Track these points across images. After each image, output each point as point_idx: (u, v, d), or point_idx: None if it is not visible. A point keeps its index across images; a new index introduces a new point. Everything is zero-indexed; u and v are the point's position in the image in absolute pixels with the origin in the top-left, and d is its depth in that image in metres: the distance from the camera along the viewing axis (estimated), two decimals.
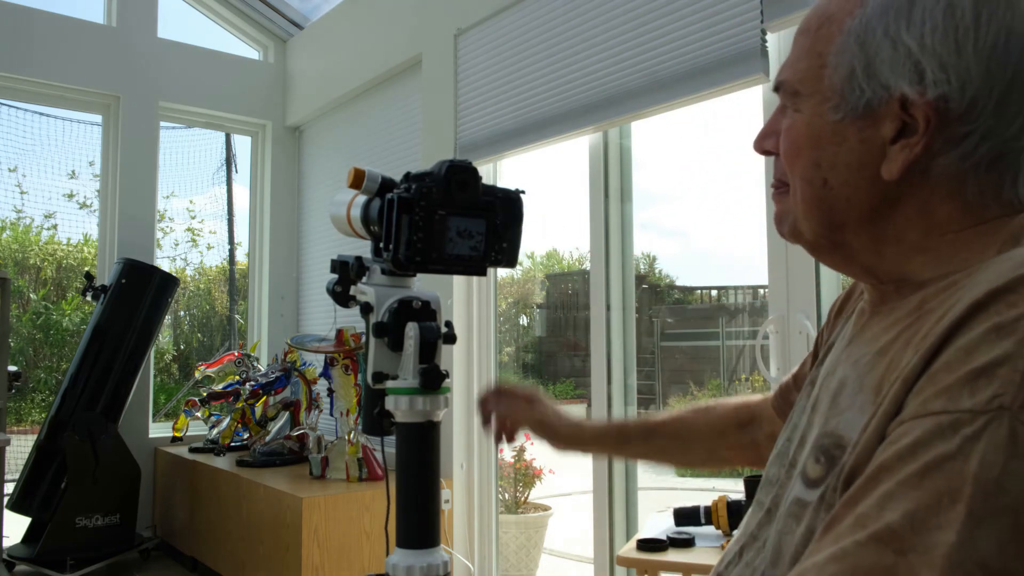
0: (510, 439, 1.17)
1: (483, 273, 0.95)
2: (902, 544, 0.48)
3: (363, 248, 1.00)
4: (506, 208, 0.95)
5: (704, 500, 2.20)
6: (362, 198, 1.02)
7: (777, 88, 0.73)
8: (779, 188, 0.74)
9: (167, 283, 3.97)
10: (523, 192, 0.98)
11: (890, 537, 0.48)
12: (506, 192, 0.96)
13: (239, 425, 3.81)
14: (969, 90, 0.60)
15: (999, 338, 0.51)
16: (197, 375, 4.20)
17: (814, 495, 0.63)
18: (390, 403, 0.92)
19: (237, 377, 3.95)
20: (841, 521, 0.52)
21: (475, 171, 0.92)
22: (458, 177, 0.90)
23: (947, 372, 0.52)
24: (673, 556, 2.01)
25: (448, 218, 0.90)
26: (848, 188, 0.66)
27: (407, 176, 0.94)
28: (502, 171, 3.35)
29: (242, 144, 5.01)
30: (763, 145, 0.75)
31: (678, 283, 11.25)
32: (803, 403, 0.77)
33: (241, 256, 5.31)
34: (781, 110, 0.73)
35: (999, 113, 0.61)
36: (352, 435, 3.20)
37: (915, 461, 0.50)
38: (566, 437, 1.14)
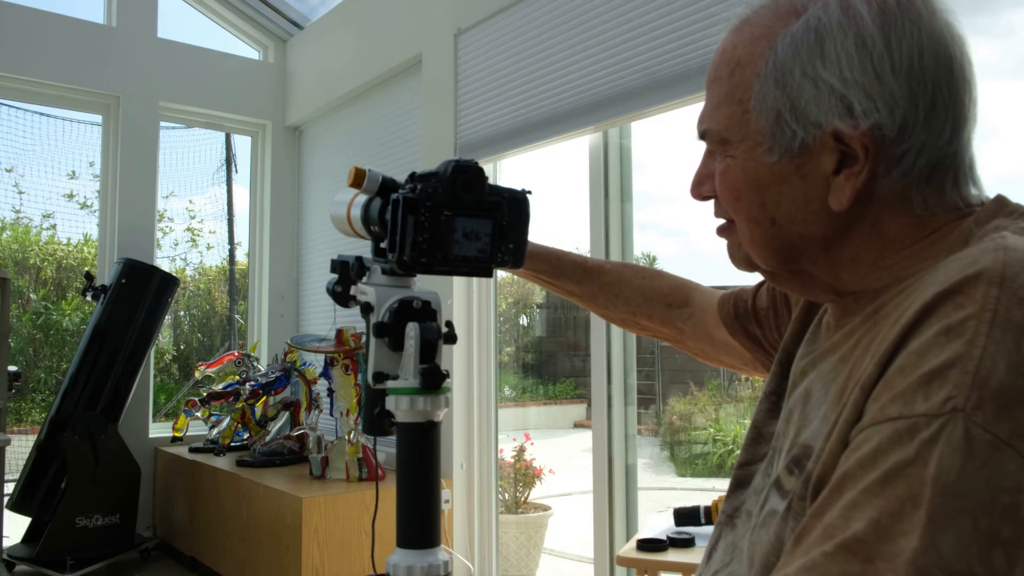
0: None
1: (489, 274, 0.95)
2: (868, 552, 0.48)
3: (363, 248, 1.00)
4: (513, 208, 0.95)
5: (704, 500, 2.21)
6: (362, 198, 1.01)
7: (702, 136, 0.73)
8: (724, 226, 0.74)
9: (167, 283, 3.97)
10: (530, 192, 0.98)
11: (857, 546, 0.49)
12: (512, 192, 0.96)
13: (239, 425, 3.81)
14: (898, 113, 0.61)
15: (948, 340, 0.51)
16: (197, 375, 4.20)
17: (783, 504, 0.64)
18: (390, 403, 0.92)
19: (237, 377, 3.95)
20: (810, 532, 0.53)
21: (481, 171, 0.91)
22: (464, 177, 0.89)
23: (901, 376, 0.53)
24: (673, 556, 2.01)
25: (454, 219, 0.90)
26: (798, 224, 0.66)
27: (412, 176, 0.93)
28: (502, 171, 3.35)
29: (242, 144, 5.02)
30: (700, 192, 0.75)
31: None
32: (784, 410, 0.77)
33: (241, 256, 5.32)
34: (711, 154, 0.73)
35: (928, 126, 0.62)
36: (352, 435, 3.20)
37: (876, 469, 0.50)
38: None
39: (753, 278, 0.83)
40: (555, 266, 1.12)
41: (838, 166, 0.64)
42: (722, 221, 0.75)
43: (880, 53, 0.62)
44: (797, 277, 0.71)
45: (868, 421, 0.54)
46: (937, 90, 0.62)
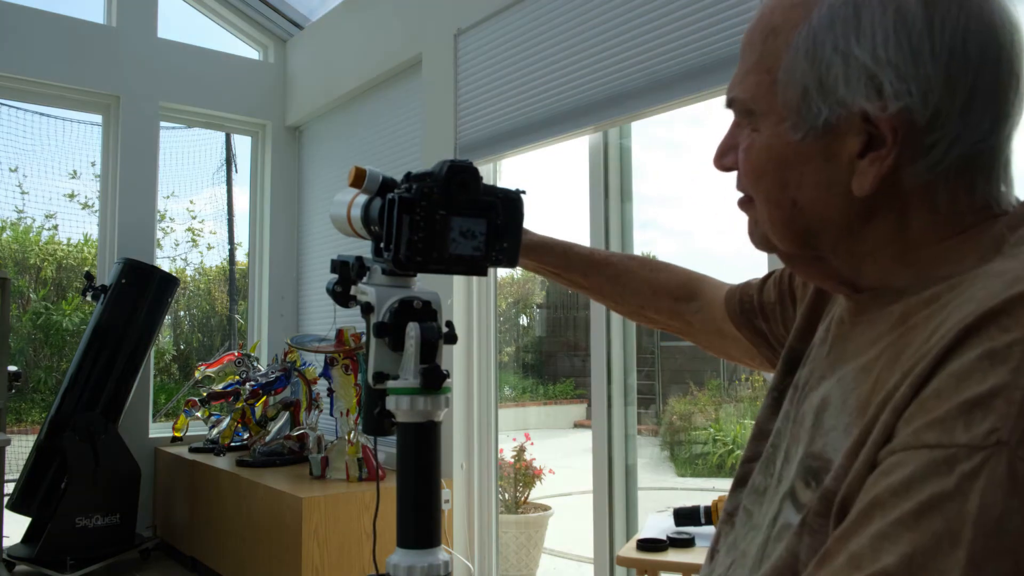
0: None
1: (484, 273, 0.95)
2: None
3: (363, 248, 1.00)
4: (507, 208, 0.95)
5: (704, 500, 2.21)
6: (362, 198, 1.02)
7: (729, 104, 0.70)
8: (745, 200, 0.71)
9: (167, 283, 3.98)
10: (523, 192, 0.98)
11: None
12: (506, 192, 0.96)
13: (239, 425, 3.81)
14: (932, 99, 0.58)
15: (992, 366, 0.48)
16: (197, 375, 4.20)
17: (798, 518, 0.61)
18: (391, 403, 0.92)
19: (237, 377, 3.95)
20: (834, 558, 0.51)
21: (476, 171, 0.92)
22: (459, 177, 0.90)
23: (938, 400, 0.50)
24: (673, 556, 2.01)
25: (449, 218, 0.90)
26: (819, 206, 0.64)
27: (408, 176, 0.94)
28: (502, 171, 3.35)
29: (242, 144, 5.02)
30: (723, 162, 0.72)
31: None
32: (787, 407, 0.75)
33: (241, 256, 5.32)
34: (737, 124, 0.70)
35: (964, 118, 0.59)
36: (352, 435, 3.20)
37: (910, 499, 0.48)
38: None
39: (756, 271, 0.82)
40: (563, 258, 1.11)
41: (864, 149, 0.60)
42: (742, 194, 0.72)
43: (920, 33, 0.58)
44: (815, 264, 0.68)
45: (900, 444, 0.51)
46: (979, 80, 0.58)
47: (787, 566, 0.61)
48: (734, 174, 0.72)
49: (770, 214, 0.67)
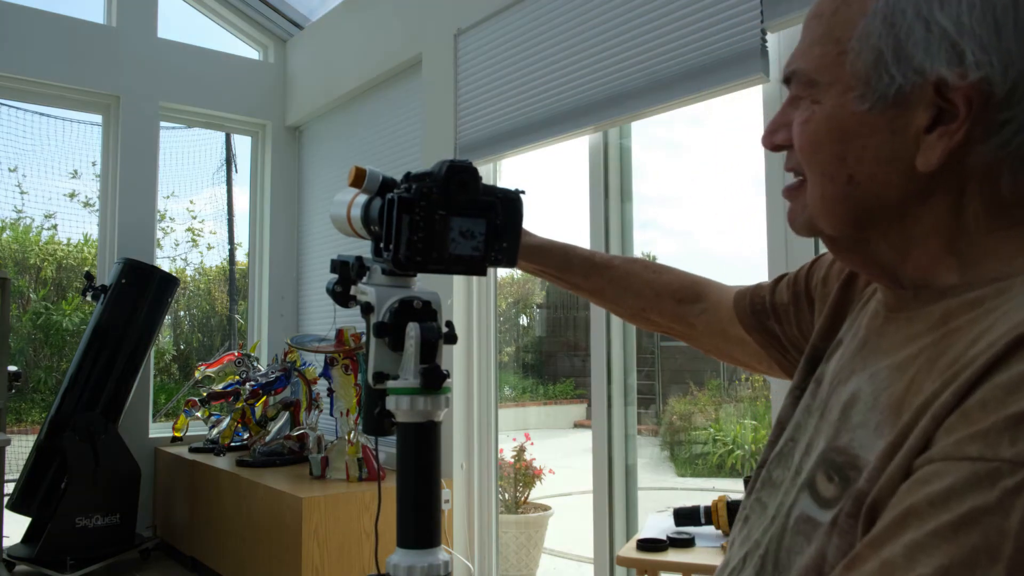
0: None
1: (483, 273, 0.95)
2: None
3: (363, 248, 1.00)
4: (506, 208, 0.95)
5: (704, 500, 2.21)
6: (362, 198, 1.02)
7: (788, 79, 0.68)
8: (793, 185, 0.70)
9: (167, 283, 3.98)
10: (523, 192, 0.98)
11: None
12: (506, 192, 0.96)
13: (239, 425, 3.81)
14: (1011, 73, 0.56)
15: None
16: (197, 375, 4.20)
17: (826, 516, 0.60)
18: (391, 403, 0.92)
19: (237, 377, 3.95)
20: (864, 562, 0.50)
21: (475, 171, 0.92)
22: (458, 177, 0.90)
23: (983, 412, 0.48)
24: (673, 556, 2.01)
25: (449, 218, 0.90)
26: (877, 183, 0.62)
27: (407, 176, 0.94)
28: (502, 171, 3.35)
29: (242, 144, 5.02)
30: (773, 140, 0.70)
31: None
32: (807, 401, 0.74)
33: (241, 256, 5.32)
34: (792, 102, 0.69)
35: None
36: (352, 435, 3.20)
37: (948, 511, 0.47)
38: None
39: (756, 271, 0.82)
40: (563, 260, 1.10)
41: (932, 123, 0.59)
42: (792, 180, 0.70)
43: (1005, 6, 0.56)
44: (859, 249, 0.66)
45: (940, 454, 0.50)
46: None
47: (815, 567, 0.60)
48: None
49: (823, 190, 0.65)
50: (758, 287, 0.97)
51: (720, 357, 1.07)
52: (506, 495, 4.36)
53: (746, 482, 2.17)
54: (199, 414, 4.01)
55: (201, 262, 6.61)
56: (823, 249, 0.76)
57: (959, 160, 0.59)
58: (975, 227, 0.60)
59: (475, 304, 3.37)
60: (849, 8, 0.63)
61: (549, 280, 1.14)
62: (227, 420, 3.86)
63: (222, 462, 3.65)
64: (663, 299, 1.07)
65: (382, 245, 0.92)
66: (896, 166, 0.61)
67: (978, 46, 0.57)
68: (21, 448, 4.53)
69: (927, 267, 0.63)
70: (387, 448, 3.30)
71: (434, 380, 0.91)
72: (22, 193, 5.24)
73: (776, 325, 0.93)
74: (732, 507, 2.08)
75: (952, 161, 0.59)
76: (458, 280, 3.28)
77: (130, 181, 4.24)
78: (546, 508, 4.45)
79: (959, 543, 0.45)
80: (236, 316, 5.55)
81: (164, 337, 6.10)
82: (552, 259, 1.10)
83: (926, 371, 0.57)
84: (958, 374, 0.52)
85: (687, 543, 2.04)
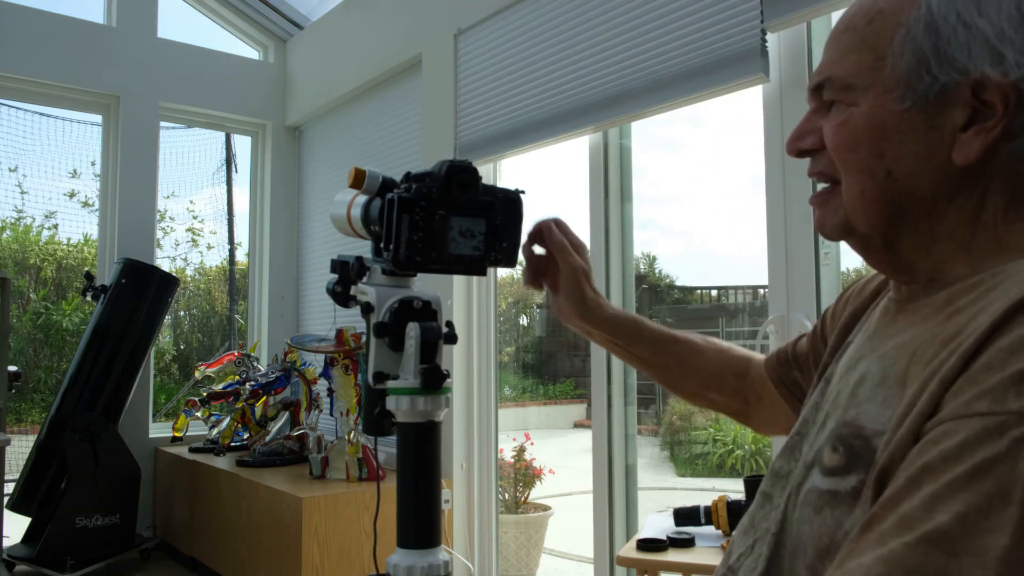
0: (537, 279, 1.07)
1: (483, 273, 0.95)
2: (954, 546, 0.48)
3: (363, 248, 1.00)
4: (506, 208, 0.95)
5: (704, 500, 2.20)
6: (362, 198, 1.02)
7: (819, 87, 0.72)
8: (823, 192, 0.73)
9: (167, 283, 3.97)
10: (523, 192, 0.98)
11: (941, 538, 0.48)
12: (506, 192, 0.96)
13: (239, 425, 3.81)
14: None
15: None
16: (197, 375, 4.20)
17: (836, 484, 0.63)
18: (391, 403, 0.92)
19: (237, 377, 3.95)
20: (882, 521, 0.52)
21: (475, 171, 0.92)
22: (458, 177, 0.90)
23: (989, 372, 0.52)
24: (673, 556, 2.01)
25: (449, 218, 0.90)
26: (913, 179, 0.66)
27: (407, 176, 0.94)
28: (502, 171, 3.35)
29: (242, 144, 5.02)
30: (799, 146, 0.74)
31: (678, 283, 11.25)
32: (815, 399, 0.77)
33: (241, 256, 5.32)
34: (818, 110, 0.73)
35: None
36: (352, 435, 3.20)
37: (962, 463, 0.50)
38: (589, 302, 1.05)
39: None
40: (634, 332, 1.08)
41: (968, 122, 0.63)
42: (821, 186, 0.74)
43: None
44: (887, 248, 0.70)
45: (950, 414, 0.53)
46: None
47: (827, 533, 0.62)
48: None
49: (862, 187, 0.68)
50: (783, 344, 1.01)
51: (774, 432, 1.07)
52: (506, 495, 4.36)
53: (746, 482, 2.16)
54: (199, 414, 4.01)
55: (201, 262, 6.61)
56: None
57: (987, 160, 0.64)
58: (992, 222, 0.65)
59: (475, 304, 3.37)
60: (885, 20, 0.67)
61: (613, 351, 1.12)
62: (227, 420, 3.86)
63: (222, 462, 3.65)
64: (726, 378, 1.06)
65: (382, 245, 0.92)
66: (932, 162, 0.65)
67: (1016, 49, 0.62)
68: (21, 448, 4.53)
69: (943, 261, 0.67)
70: (387, 448, 3.30)
71: (434, 380, 0.91)
72: (22, 193, 5.24)
73: (799, 374, 0.96)
74: (732, 507, 2.08)
75: (983, 159, 0.63)
76: (458, 280, 3.28)
77: (130, 181, 4.24)
78: (546, 508, 4.45)
79: (974, 491, 0.48)
80: (236, 316, 5.55)
81: (164, 337, 6.10)
82: (623, 331, 1.08)
83: (929, 344, 0.61)
84: (962, 343, 0.56)
85: (687, 543, 2.04)
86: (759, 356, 1.07)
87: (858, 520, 0.59)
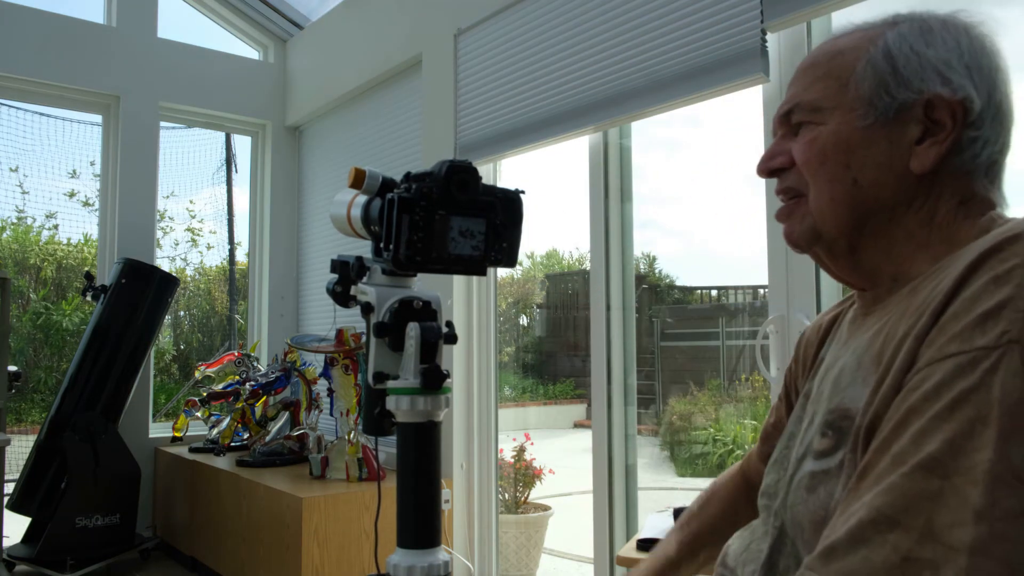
0: None
1: (483, 273, 0.95)
2: (945, 470, 0.54)
3: (363, 248, 1.00)
4: (506, 208, 0.95)
5: None
6: (362, 198, 1.02)
7: (788, 113, 0.80)
8: (791, 198, 0.80)
9: (167, 283, 3.97)
10: (523, 192, 0.98)
11: (933, 464, 0.54)
12: (506, 192, 0.96)
13: (239, 425, 3.81)
14: (980, 100, 0.73)
15: (998, 286, 0.58)
16: (197, 375, 4.20)
17: (827, 463, 0.69)
18: (391, 403, 0.92)
19: (237, 377, 3.95)
20: (876, 464, 0.58)
21: (475, 171, 0.92)
22: (458, 177, 0.90)
23: (956, 320, 0.59)
24: None
25: (449, 218, 0.90)
26: (877, 187, 0.74)
27: (407, 176, 0.94)
28: (502, 171, 3.35)
29: (242, 144, 5.02)
30: (770, 166, 0.82)
31: (678, 283, 11.25)
32: (797, 413, 0.83)
33: (241, 256, 5.32)
34: (785, 136, 0.81)
35: (994, 126, 0.74)
36: (352, 435, 3.20)
37: (942, 399, 0.56)
38: None
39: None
40: (672, 567, 1.09)
41: (922, 136, 0.73)
42: (789, 197, 0.82)
43: (975, 53, 0.74)
44: (851, 253, 0.77)
45: (925, 362, 0.59)
46: (1004, 100, 0.75)
47: (823, 505, 0.68)
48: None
49: (832, 192, 0.76)
50: (763, 428, 1.06)
51: None
52: (506, 495, 4.36)
53: None
54: (199, 414, 4.00)
55: (201, 262, 6.60)
56: None
57: (940, 168, 0.73)
58: (945, 223, 0.74)
59: (475, 304, 3.37)
60: (845, 56, 0.78)
61: None
62: (227, 420, 3.86)
63: (222, 462, 3.65)
64: (740, 511, 1.07)
65: (382, 245, 0.92)
66: (893, 171, 0.74)
67: (959, 75, 0.73)
68: (21, 448, 4.53)
69: (903, 262, 0.75)
70: (387, 448, 3.30)
71: (434, 380, 0.91)
72: (23, 193, 5.24)
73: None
74: None
75: (935, 169, 0.73)
76: (458, 280, 3.28)
77: (130, 181, 4.24)
78: (546, 508, 4.45)
79: (956, 419, 0.55)
80: (236, 316, 5.55)
81: (164, 337, 6.10)
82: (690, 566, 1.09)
83: (896, 323, 0.68)
84: (930, 304, 0.63)
85: None
86: (744, 460, 1.10)
87: (845, 484, 0.65)
